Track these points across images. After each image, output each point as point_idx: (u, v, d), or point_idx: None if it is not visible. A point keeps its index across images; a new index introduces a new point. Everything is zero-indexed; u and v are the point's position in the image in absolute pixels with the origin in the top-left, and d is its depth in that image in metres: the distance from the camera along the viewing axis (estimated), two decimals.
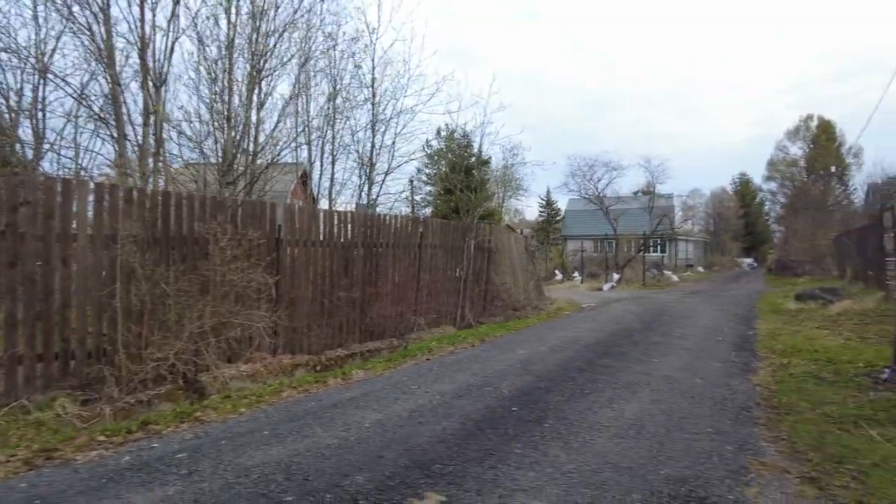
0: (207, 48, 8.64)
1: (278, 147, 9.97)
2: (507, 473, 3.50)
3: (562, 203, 50.98)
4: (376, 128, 11.81)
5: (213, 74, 8.70)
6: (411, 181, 29.95)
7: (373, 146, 11.85)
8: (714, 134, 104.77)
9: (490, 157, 32.99)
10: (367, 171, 11.87)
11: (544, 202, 53.43)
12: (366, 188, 11.89)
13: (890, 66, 40.27)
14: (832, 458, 3.85)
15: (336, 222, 8.82)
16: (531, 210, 57.76)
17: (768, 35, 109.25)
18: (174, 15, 8.11)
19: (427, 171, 35.27)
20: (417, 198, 33.76)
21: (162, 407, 5.80)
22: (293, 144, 11.09)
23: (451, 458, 3.75)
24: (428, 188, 36.00)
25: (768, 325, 10.55)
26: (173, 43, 8.19)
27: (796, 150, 53.10)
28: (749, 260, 53.19)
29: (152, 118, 8.07)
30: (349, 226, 9.01)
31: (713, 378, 6.18)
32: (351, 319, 8.97)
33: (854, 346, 7.92)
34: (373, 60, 11.75)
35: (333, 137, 12.84)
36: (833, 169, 44.67)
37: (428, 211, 33.04)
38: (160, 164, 8.82)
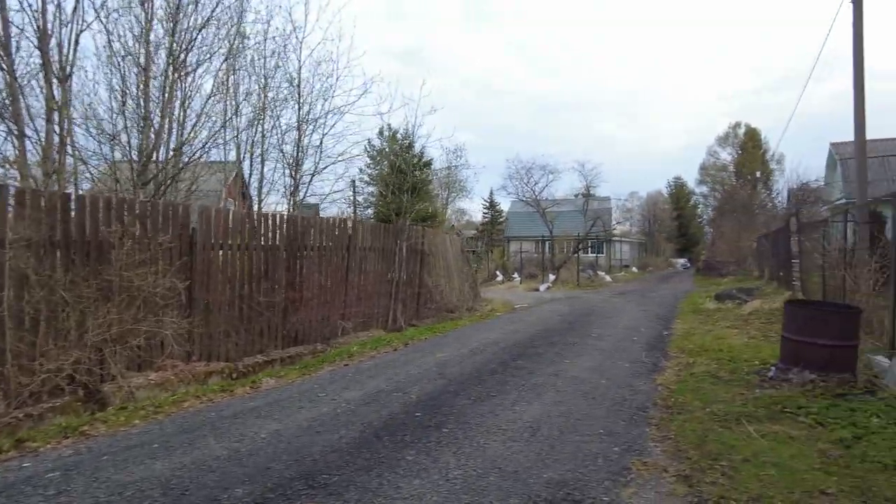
0: (116, 42, 8.26)
1: (199, 145, 9.64)
2: (393, 482, 3.51)
3: (505, 205, 51.72)
4: (302, 128, 11.62)
5: (122, 70, 8.34)
6: (353, 182, 29.69)
7: (298, 146, 11.66)
8: (655, 139, 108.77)
9: (432, 160, 33.11)
10: (293, 171, 11.66)
11: (488, 204, 54.04)
12: (292, 189, 11.66)
13: (814, 77, 43.15)
14: (709, 456, 4.05)
15: (256, 225, 8.61)
16: (478, 211, 58.33)
17: (708, 46, 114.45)
18: (78, 5, 7.71)
19: (370, 171, 35.01)
20: (360, 199, 33.47)
21: (56, 420, 5.53)
22: (218, 143, 10.75)
23: (340, 468, 3.72)
24: (371, 189, 35.75)
25: (685, 325, 11.03)
26: (78, 35, 7.78)
27: (726, 155, 56.03)
28: (683, 260, 55.49)
29: (56, 115, 7.63)
30: (270, 228, 8.82)
31: (619, 379, 6.40)
32: (272, 325, 8.78)
33: (755, 345, 8.39)
34: (299, 60, 11.57)
35: (263, 136, 12.56)
36: (758, 174, 47.26)
37: (370, 212, 32.78)
38: (68, 163, 8.38)
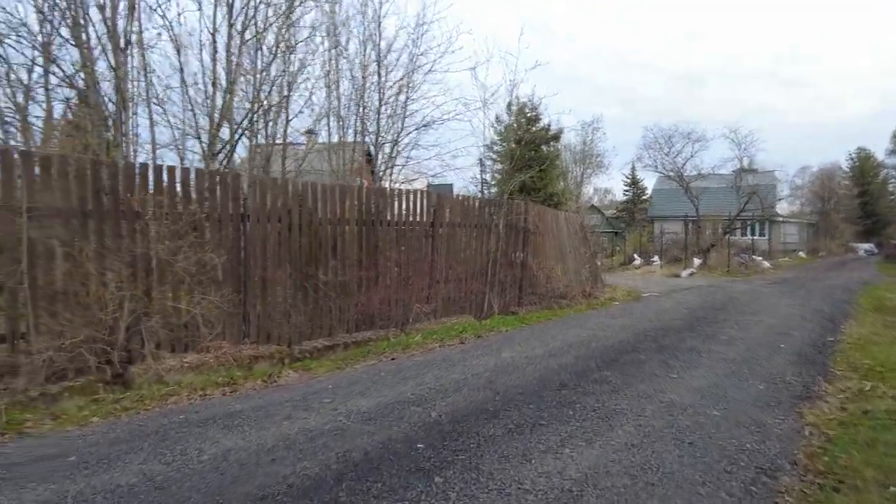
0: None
1: (266, 117, 9.06)
2: None
3: (649, 182, 47.30)
4: (383, 94, 10.57)
5: (176, 39, 7.93)
6: (480, 160, 28.64)
7: (378, 113, 10.65)
8: (831, 106, 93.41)
9: (561, 131, 30.71)
10: (374, 139, 10.71)
11: (629, 180, 50.03)
12: (375, 162, 10.75)
13: None
14: None
15: (321, 196, 7.74)
16: (620, 189, 54.23)
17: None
18: None
19: (497, 148, 33.73)
20: (487, 176, 32.31)
21: (71, 402, 5.16)
22: (312, 118, 10.15)
23: None
24: (498, 166, 34.46)
25: (862, 329, 8.19)
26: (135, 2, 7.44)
27: None
28: (867, 245, 46.70)
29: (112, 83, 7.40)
30: (338, 201, 7.91)
31: (741, 410, 4.40)
32: (340, 306, 7.96)
33: None
34: (378, 13, 10.43)
35: (363, 108, 11.84)
36: None
37: (495, 190, 31.55)
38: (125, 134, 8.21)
